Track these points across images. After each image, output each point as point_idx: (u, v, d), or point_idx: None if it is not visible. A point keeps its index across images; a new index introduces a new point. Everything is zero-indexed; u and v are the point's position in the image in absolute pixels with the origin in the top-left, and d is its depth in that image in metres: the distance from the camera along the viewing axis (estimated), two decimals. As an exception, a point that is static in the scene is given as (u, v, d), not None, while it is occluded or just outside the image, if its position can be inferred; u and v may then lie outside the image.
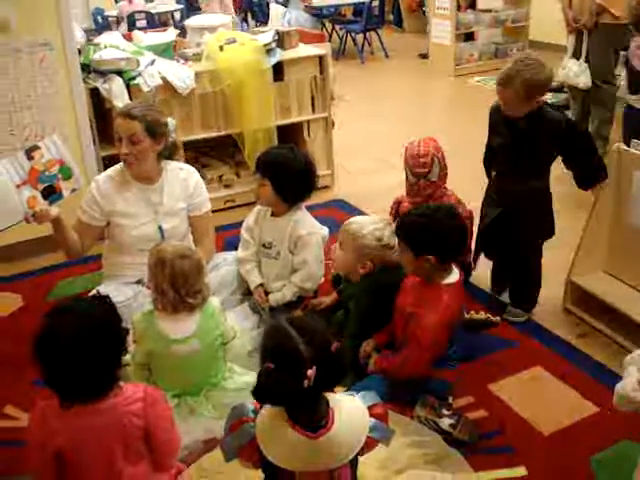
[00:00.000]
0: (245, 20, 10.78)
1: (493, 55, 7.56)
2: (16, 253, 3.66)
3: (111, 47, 3.87)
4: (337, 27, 9.03)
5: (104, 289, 2.97)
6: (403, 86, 7.12)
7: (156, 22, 8.17)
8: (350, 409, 1.80)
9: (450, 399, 2.48)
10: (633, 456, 2.27)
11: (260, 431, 1.78)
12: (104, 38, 4.05)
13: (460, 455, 2.26)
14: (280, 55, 4.19)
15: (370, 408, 1.85)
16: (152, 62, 3.92)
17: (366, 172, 4.91)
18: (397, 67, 8.07)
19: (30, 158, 2.73)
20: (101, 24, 8.74)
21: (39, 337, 1.80)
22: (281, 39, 4.30)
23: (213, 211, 3.90)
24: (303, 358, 1.65)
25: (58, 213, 2.76)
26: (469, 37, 7.83)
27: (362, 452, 1.82)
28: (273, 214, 2.94)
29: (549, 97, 6.18)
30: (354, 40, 8.55)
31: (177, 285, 2.37)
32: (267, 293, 2.98)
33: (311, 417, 1.73)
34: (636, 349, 2.72)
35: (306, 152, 3.17)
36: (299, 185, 2.87)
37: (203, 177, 4.25)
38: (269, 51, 4.13)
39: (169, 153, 3.03)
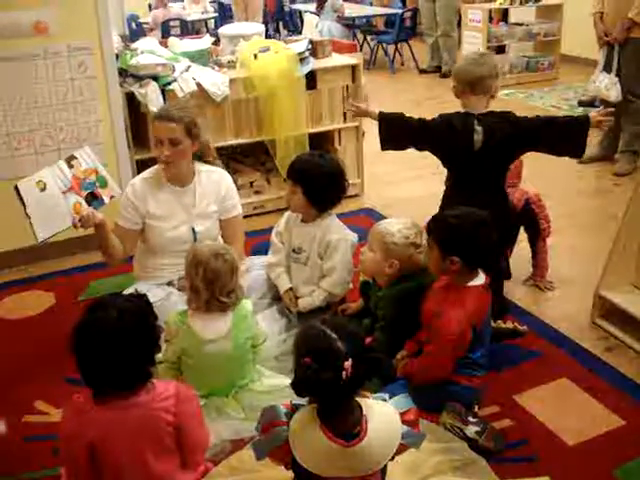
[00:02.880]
0: (277, 30, 10.90)
1: (524, 68, 7.55)
2: (50, 252, 3.72)
3: (148, 53, 3.95)
4: (368, 38, 9.07)
5: (137, 290, 3.03)
6: (432, 98, 7.13)
7: (190, 30, 8.31)
8: (383, 417, 1.83)
9: (476, 407, 2.49)
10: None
11: (293, 435, 1.81)
12: (141, 44, 4.13)
13: (485, 463, 2.26)
14: (313, 64, 4.24)
15: (402, 414, 1.87)
16: (187, 68, 3.99)
17: (395, 182, 4.94)
18: (427, 79, 8.09)
19: (70, 167, 2.82)
20: (135, 31, 8.91)
21: (77, 330, 1.85)
22: (314, 48, 4.35)
23: (243, 216, 3.97)
24: (340, 351, 1.71)
25: (103, 217, 2.82)
26: (500, 50, 7.84)
27: (392, 457, 1.85)
28: (303, 220, 2.98)
29: (580, 111, 6.18)
30: (385, 51, 8.60)
31: (211, 284, 2.42)
32: (296, 298, 3.01)
33: (344, 423, 1.77)
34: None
35: (337, 159, 3.20)
36: (330, 191, 2.90)
37: (234, 182, 4.35)
38: (302, 60, 4.19)
39: (201, 154, 3.07)
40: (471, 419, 2.37)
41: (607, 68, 4.73)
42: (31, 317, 3.34)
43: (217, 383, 2.51)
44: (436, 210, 3.14)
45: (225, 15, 9.68)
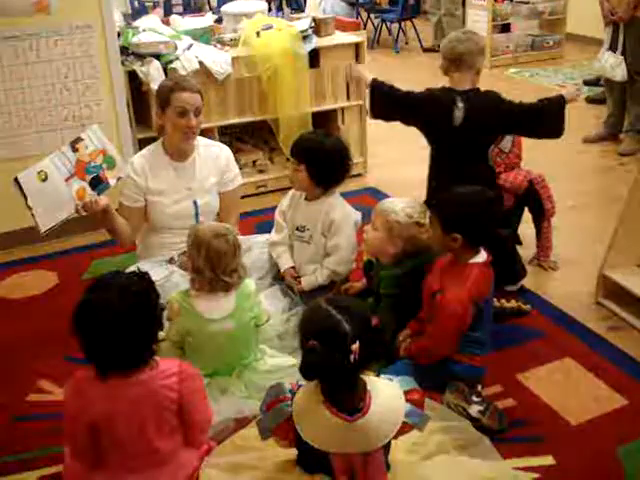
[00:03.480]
0: (280, 8, 10.79)
1: (529, 47, 7.47)
2: (52, 232, 3.70)
3: (150, 31, 3.91)
4: (372, 16, 8.98)
5: (140, 268, 3.01)
6: (437, 76, 7.06)
7: (192, 8, 8.21)
8: (387, 394, 1.83)
9: (479, 387, 2.49)
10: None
11: (296, 411, 1.82)
12: (143, 22, 4.10)
13: (489, 442, 2.26)
14: (316, 42, 4.20)
15: (407, 393, 1.88)
16: (189, 47, 3.96)
17: (399, 161, 4.91)
18: (431, 58, 8.01)
19: (75, 150, 2.80)
20: (137, 8, 8.81)
21: (79, 308, 1.85)
22: (317, 26, 4.31)
23: (246, 196, 3.97)
24: (347, 334, 1.70)
25: (107, 202, 2.82)
26: (505, 29, 7.76)
27: (396, 436, 1.85)
28: (307, 198, 2.97)
29: (585, 90, 6.13)
30: (389, 29, 8.52)
31: (213, 264, 2.41)
32: (298, 277, 3.00)
33: (348, 399, 1.77)
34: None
35: (340, 138, 3.18)
36: (333, 170, 2.89)
37: (237, 162, 4.33)
38: (305, 38, 4.14)
39: None
40: (474, 398, 2.37)
41: (612, 47, 4.68)
42: (34, 296, 3.34)
43: (220, 362, 2.51)
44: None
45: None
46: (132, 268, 2.99)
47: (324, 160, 2.84)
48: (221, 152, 3.12)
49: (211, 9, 8.44)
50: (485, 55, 7.10)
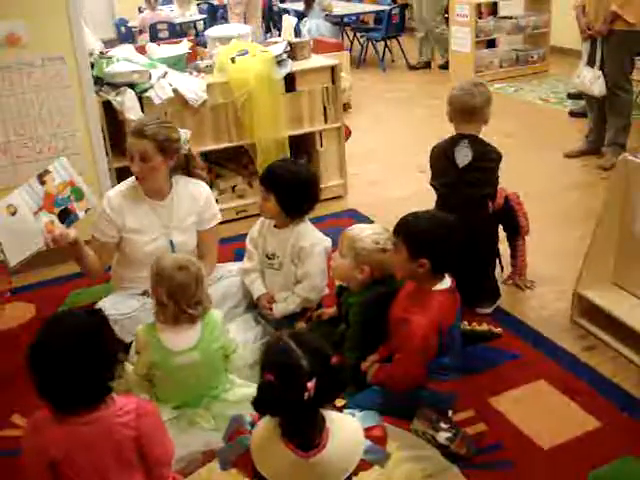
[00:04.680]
0: (268, 30, 10.85)
1: (514, 62, 7.50)
2: (30, 263, 3.69)
3: (123, 60, 3.92)
4: (358, 35, 9.03)
5: (111, 300, 3.03)
6: (422, 94, 7.10)
7: (178, 32, 8.27)
8: (346, 430, 1.80)
9: (450, 412, 2.47)
10: (633, 472, 2.26)
11: (254, 445, 1.80)
12: (116, 51, 4.10)
13: (458, 470, 2.24)
14: (291, 66, 4.21)
15: (368, 429, 1.85)
16: (164, 74, 3.97)
17: (380, 182, 4.91)
18: (417, 75, 8.06)
19: (42, 183, 2.80)
20: (124, 34, 8.89)
21: (31, 348, 1.84)
22: (293, 50, 4.32)
23: (226, 221, 3.97)
24: (304, 370, 1.68)
25: (76, 234, 2.80)
26: (491, 44, 7.80)
27: (356, 473, 1.82)
28: (276, 225, 2.96)
29: (568, 104, 6.15)
30: (375, 48, 8.56)
31: (176, 297, 2.39)
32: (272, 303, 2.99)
33: (306, 435, 1.74)
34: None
35: (310, 166, 3.18)
36: (302, 199, 2.89)
37: (216, 187, 4.33)
38: (280, 62, 4.15)
39: (185, 164, 3.05)
40: (442, 425, 2.35)
41: (590, 62, 4.69)
42: (11, 329, 3.32)
43: (188, 394, 2.49)
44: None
45: (215, 17, 9.64)
46: (104, 300, 3.03)
47: (293, 190, 2.84)
48: (200, 191, 3.05)
49: (197, 34, 8.55)
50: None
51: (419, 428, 2.35)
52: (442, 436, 2.32)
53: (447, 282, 2.41)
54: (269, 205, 2.87)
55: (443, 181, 3.15)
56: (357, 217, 4.27)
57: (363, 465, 1.79)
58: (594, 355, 2.87)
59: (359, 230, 2.66)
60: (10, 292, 3.51)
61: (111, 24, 9.55)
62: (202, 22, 9.00)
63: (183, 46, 4.32)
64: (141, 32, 8.57)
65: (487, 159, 3.10)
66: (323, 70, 4.35)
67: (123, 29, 8.89)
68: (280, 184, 2.85)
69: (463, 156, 3.07)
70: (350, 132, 5.86)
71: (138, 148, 2.81)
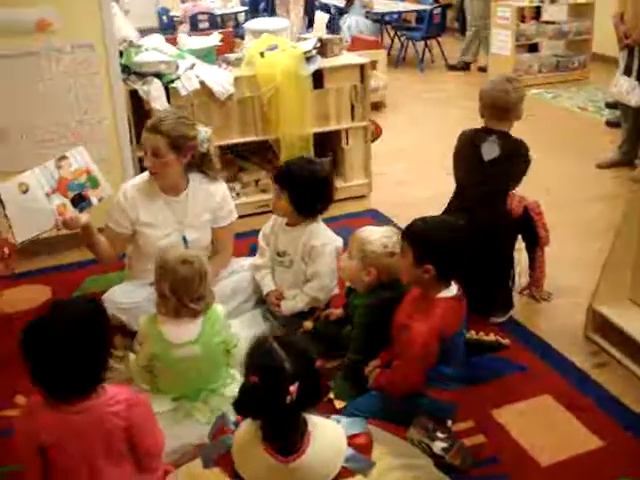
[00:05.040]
0: (311, 25, 10.82)
1: (554, 67, 7.37)
2: (49, 247, 3.76)
3: (153, 50, 3.95)
4: (399, 33, 8.96)
5: (122, 289, 3.06)
6: (459, 95, 7.02)
7: (218, 24, 8.31)
8: (328, 437, 1.79)
9: (449, 422, 2.43)
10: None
11: (236, 446, 1.80)
12: (146, 41, 4.13)
13: (450, 481, 2.21)
14: (320, 63, 4.19)
15: (352, 437, 1.83)
16: (192, 66, 3.98)
17: (406, 182, 4.88)
18: (455, 77, 7.97)
19: (58, 167, 2.82)
20: (166, 24, 8.95)
21: (25, 334, 1.86)
22: (324, 47, 4.30)
23: (246, 215, 3.98)
24: (287, 374, 1.66)
25: (88, 220, 2.83)
26: (533, 48, 7.67)
27: None
28: (288, 223, 2.95)
29: (606, 113, 6.01)
30: (415, 47, 8.49)
31: (179, 291, 2.40)
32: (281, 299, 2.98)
33: (286, 439, 1.73)
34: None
35: (326, 165, 3.15)
36: (316, 199, 2.87)
37: (239, 180, 4.34)
38: (309, 59, 4.14)
39: (200, 163, 3.02)
40: (439, 434, 2.31)
41: (627, 71, 4.58)
42: (27, 311, 3.37)
43: (188, 387, 2.50)
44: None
45: (256, 9, 9.66)
46: (115, 288, 3.05)
47: (307, 189, 2.82)
48: (216, 188, 3.05)
49: (238, 25, 8.56)
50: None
51: (415, 436, 2.32)
52: (438, 446, 2.29)
53: (453, 289, 2.37)
54: (282, 203, 2.86)
55: (464, 171, 3.11)
56: (378, 217, 4.24)
57: (345, 473, 1.77)
58: (604, 372, 2.81)
59: (369, 232, 2.64)
60: (13, 276, 3.53)
61: (154, 13, 9.61)
62: (243, 14, 9.01)
63: (213, 38, 4.33)
64: (182, 22, 8.62)
65: (515, 155, 3.05)
66: (352, 68, 4.32)
67: (165, 18, 8.95)
68: (294, 183, 2.83)
69: (490, 151, 3.03)
70: (381, 131, 5.84)
71: (151, 143, 2.81)
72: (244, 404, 1.69)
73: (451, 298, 2.35)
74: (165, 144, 2.80)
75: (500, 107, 3.00)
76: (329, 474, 1.74)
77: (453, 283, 2.39)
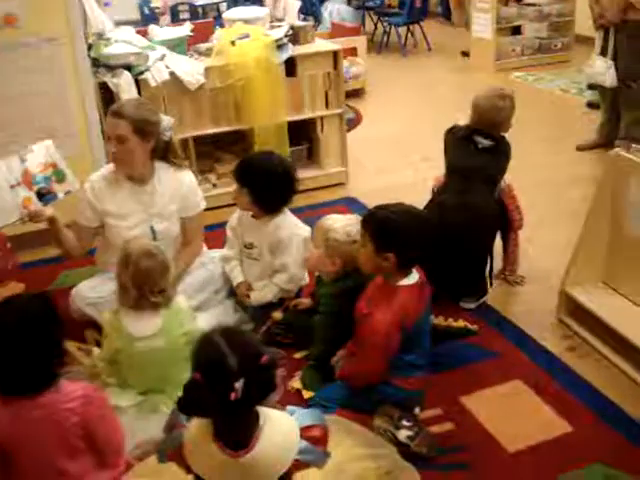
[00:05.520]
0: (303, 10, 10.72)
1: (536, 50, 7.32)
2: (22, 243, 3.73)
3: (122, 42, 3.90)
4: (382, 19, 8.89)
5: (89, 283, 3.04)
6: (440, 81, 6.97)
7: (199, 14, 8.22)
8: (279, 430, 1.75)
9: (417, 410, 2.41)
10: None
11: (187, 441, 1.77)
12: (116, 33, 4.08)
13: (414, 470, 2.19)
14: (292, 51, 4.15)
15: (306, 429, 1.79)
16: (162, 57, 3.94)
17: (385, 169, 4.83)
18: (438, 61, 7.92)
19: (23, 161, 2.79)
20: (148, 15, 8.85)
21: None
22: (296, 34, 4.26)
23: (223, 206, 3.95)
24: (231, 370, 1.62)
25: (53, 213, 2.79)
26: (517, 31, 7.60)
27: (290, 474, 1.78)
28: (254, 216, 2.92)
29: (588, 95, 5.98)
30: (398, 33, 8.43)
31: (139, 283, 2.38)
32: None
33: (236, 434, 1.70)
34: (627, 367, 2.64)
35: (286, 159, 3.11)
36: (277, 194, 2.84)
37: (215, 171, 4.31)
38: (280, 47, 4.10)
39: (163, 153, 2.97)
40: (404, 423, 2.30)
41: (603, 52, 4.54)
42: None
43: (152, 380, 2.49)
44: (422, 199, 3.12)
45: (238, -1, 9.56)
46: (83, 283, 3.03)
47: (266, 185, 2.79)
48: (183, 178, 3.00)
49: (219, 15, 8.48)
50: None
51: (380, 425, 2.30)
52: (403, 434, 2.27)
53: (414, 277, 2.34)
54: (243, 199, 2.83)
55: (457, 157, 3.12)
56: (354, 205, 4.21)
57: (298, 465, 1.74)
58: (576, 356, 2.79)
59: (332, 221, 2.62)
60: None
61: (135, 5, 9.51)
62: (225, 4, 8.91)
63: (184, 29, 4.28)
64: (163, 13, 8.53)
65: (504, 143, 3.13)
66: (325, 55, 4.28)
67: (146, 10, 8.85)
68: (253, 179, 2.81)
69: (482, 141, 3.09)
70: (361, 118, 5.81)
71: (114, 128, 2.76)
72: (187, 402, 1.65)
73: (413, 285, 2.33)
74: (128, 128, 2.75)
75: (492, 122, 3.07)
76: (281, 467, 1.71)
77: (415, 271, 2.36)
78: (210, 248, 3.26)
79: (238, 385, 1.60)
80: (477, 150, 3.08)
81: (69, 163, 2.93)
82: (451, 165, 3.16)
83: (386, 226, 2.33)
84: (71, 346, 2.86)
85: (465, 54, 7.78)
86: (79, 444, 1.95)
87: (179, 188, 2.98)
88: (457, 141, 3.15)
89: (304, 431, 1.77)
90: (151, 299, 2.39)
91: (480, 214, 3.01)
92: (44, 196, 2.82)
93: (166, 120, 2.96)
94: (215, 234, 3.46)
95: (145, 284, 2.37)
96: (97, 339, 2.80)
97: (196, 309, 2.80)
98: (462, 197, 3.02)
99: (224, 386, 1.60)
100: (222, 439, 1.70)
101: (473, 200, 3.01)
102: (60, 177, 2.86)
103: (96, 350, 2.60)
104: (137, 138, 2.79)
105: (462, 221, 2.95)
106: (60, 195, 2.86)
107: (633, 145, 2.80)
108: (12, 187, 2.76)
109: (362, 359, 2.35)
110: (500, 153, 3.11)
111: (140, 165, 2.89)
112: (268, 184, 2.78)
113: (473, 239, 3.01)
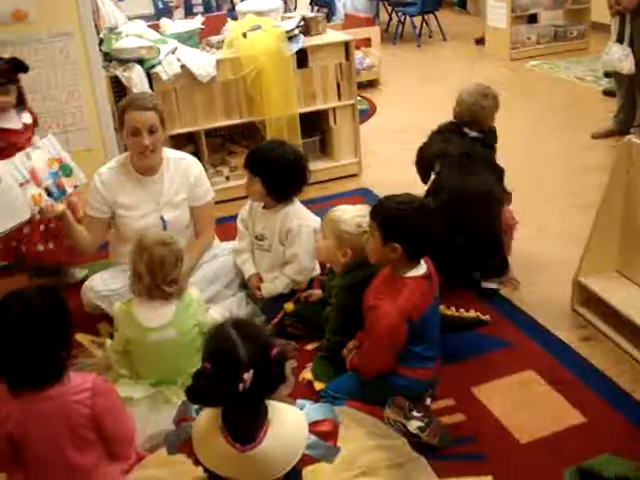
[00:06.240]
0: (311, 3, 10.69)
1: (552, 38, 7.23)
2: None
3: (133, 36, 3.91)
4: (396, 9, 8.83)
5: (102, 277, 3.05)
6: (455, 70, 6.90)
7: (213, 7, 8.22)
8: (288, 424, 1.74)
9: (428, 400, 2.40)
10: (613, 470, 2.15)
11: (195, 434, 1.77)
12: (127, 27, 4.09)
13: (425, 461, 2.17)
14: (303, 42, 4.13)
15: (315, 424, 1.79)
16: (173, 50, 3.94)
17: (399, 160, 4.79)
18: (453, 51, 7.85)
19: (30, 158, 2.80)
20: (162, 9, 8.87)
21: None
22: (307, 25, 4.24)
23: (236, 198, 3.95)
24: (240, 361, 1.63)
25: (64, 208, 2.81)
26: (532, 19, 7.52)
27: (299, 468, 1.77)
28: (265, 207, 2.92)
29: (604, 82, 5.90)
30: (412, 23, 8.37)
31: (153, 271, 2.41)
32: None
33: (244, 427, 1.70)
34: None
35: (298, 148, 3.11)
36: (288, 183, 2.85)
37: (227, 164, 4.31)
38: (291, 38, 4.08)
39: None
40: (415, 413, 2.29)
41: (620, 39, 4.47)
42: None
43: (164, 371, 2.50)
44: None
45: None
46: (95, 276, 3.05)
47: (278, 174, 2.80)
48: (190, 167, 3.03)
49: (233, 8, 8.47)
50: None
51: (391, 416, 2.30)
52: (413, 425, 2.26)
53: (422, 268, 2.33)
54: (255, 188, 2.84)
55: (457, 150, 3.10)
56: (369, 196, 4.18)
57: (307, 460, 1.74)
58: (590, 346, 2.76)
59: (342, 212, 2.61)
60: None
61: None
62: (239, -4, 8.90)
63: (196, 21, 4.28)
64: (178, 7, 8.54)
65: (492, 133, 3.19)
66: (337, 46, 4.25)
67: (160, 4, 8.87)
68: (264, 168, 2.81)
69: (470, 132, 3.14)
70: (375, 109, 5.79)
71: (146, 120, 2.80)
72: (196, 391, 1.65)
73: (420, 277, 2.31)
74: (156, 118, 2.82)
75: (474, 118, 3.12)
76: (289, 462, 1.71)
77: (423, 262, 2.35)
78: (222, 240, 3.28)
79: (247, 376, 1.60)
80: (469, 139, 3.14)
81: (82, 156, 2.98)
82: (448, 155, 3.12)
83: (393, 216, 2.32)
84: (84, 339, 2.91)
85: (479, 41, 7.71)
86: (89, 436, 1.97)
87: (187, 177, 3.01)
88: (448, 133, 3.18)
89: (314, 426, 1.76)
90: (164, 289, 2.40)
91: (485, 190, 3.03)
92: (54, 192, 2.83)
93: None
94: (227, 226, 3.47)
95: (159, 272, 2.40)
96: (110, 332, 2.82)
97: (208, 301, 2.82)
98: (464, 178, 3.03)
99: (233, 376, 1.61)
100: (230, 432, 1.70)
101: (476, 179, 3.03)
102: (67, 172, 2.87)
103: (109, 342, 2.61)
104: (162, 128, 2.88)
105: (470, 201, 2.97)
106: (69, 190, 2.87)
107: (646, 132, 2.75)
108: (21, 185, 2.77)
109: (369, 351, 2.34)
110: (489, 143, 3.19)
111: (160, 155, 2.94)
112: (279, 172, 2.79)
113: (483, 217, 3.03)
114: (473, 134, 3.13)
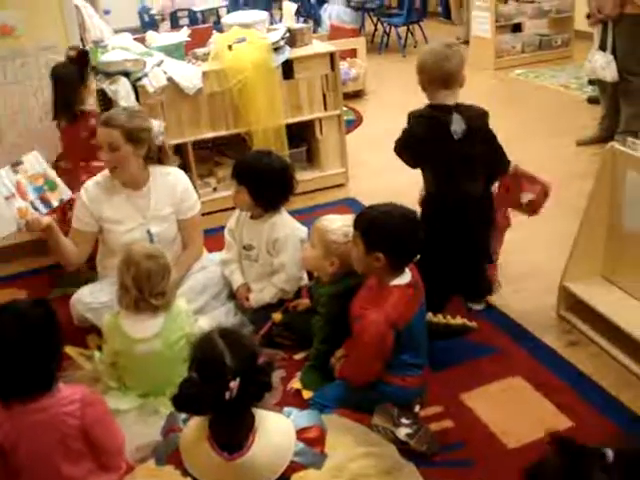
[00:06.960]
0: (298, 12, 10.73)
1: (537, 47, 7.30)
2: (22, 252, 3.75)
3: (119, 49, 3.92)
4: (382, 20, 8.89)
5: (90, 289, 3.05)
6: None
7: (199, 20, 8.26)
8: (275, 432, 1.76)
9: (417, 407, 2.42)
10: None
11: (183, 443, 1.78)
12: (113, 40, 4.11)
13: (414, 467, 2.19)
14: (289, 53, 4.16)
15: (302, 431, 1.80)
16: (160, 63, 3.95)
17: (386, 170, 4.82)
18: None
19: (15, 172, 2.81)
20: (148, 22, 8.90)
21: None
22: (293, 37, 4.27)
23: (223, 210, 3.96)
24: (227, 369, 1.64)
25: (49, 221, 2.82)
26: (517, 28, 7.58)
27: (287, 475, 1.78)
28: (252, 217, 2.94)
29: (588, 90, 5.96)
30: (397, 33, 8.42)
31: (140, 284, 2.42)
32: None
33: (230, 435, 1.71)
34: (627, 361, 2.64)
35: (284, 157, 3.13)
36: (275, 192, 2.87)
37: (214, 175, 4.33)
38: (277, 49, 4.11)
39: (158, 157, 3.03)
40: (404, 420, 2.30)
41: (602, 46, 4.52)
42: None
43: (152, 383, 2.51)
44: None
45: (238, 3, 9.59)
46: (83, 288, 3.05)
47: (265, 183, 2.82)
48: (177, 181, 3.04)
49: (218, 20, 8.51)
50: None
51: (379, 423, 2.31)
52: (402, 432, 2.28)
53: (407, 276, 2.35)
54: (242, 197, 2.86)
55: (439, 159, 2.87)
56: (355, 206, 4.19)
57: (295, 467, 1.75)
58: (576, 351, 2.79)
59: (329, 222, 2.63)
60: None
61: (136, 13, 9.56)
62: (225, 9, 8.94)
63: (182, 34, 4.30)
64: (164, 19, 8.58)
65: (484, 123, 2.88)
66: (322, 57, 4.28)
67: (146, 17, 8.90)
68: (251, 177, 2.83)
69: (459, 128, 2.79)
70: (361, 119, 5.81)
71: (105, 137, 2.81)
72: (182, 399, 1.66)
73: (405, 285, 2.33)
74: (119, 136, 2.80)
75: (445, 75, 2.77)
76: (277, 469, 1.72)
77: (407, 270, 2.37)
78: (210, 251, 3.28)
79: (233, 384, 1.61)
80: (454, 142, 2.80)
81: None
82: (430, 165, 2.98)
83: (375, 226, 2.34)
84: (73, 351, 2.91)
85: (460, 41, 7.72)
86: (79, 447, 1.98)
87: (174, 191, 3.01)
88: (431, 130, 2.86)
89: (301, 433, 1.78)
90: (151, 301, 2.41)
91: (473, 203, 2.83)
92: (40, 205, 2.84)
93: (157, 125, 3.00)
94: (215, 238, 3.47)
95: (145, 285, 2.40)
96: (99, 344, 2.82)
97: (197, 312, 2.82)
98: (454, 187, 2.83)
99: (219, 385, 1.61)
100: (217, 441, 1.71)
101: (464, 189, 2.82)
102: (52, 186, 2.88)
103: (97, 354, 2.62)
104: (130, 146, 2.84)
105: (458, 213, 2.81)
106: (54, 204, 2.88)
107: (629, 138, 2.79)
108: (7, 199, 2.78)
109: (356, 359, 2.36)
110: (482, 137, 2.88)
111: (135, 171, 2.92)
112: (266, 181, 2.81)
113: (468, 245, 2.89)
114: (458, 133, 2.78)
